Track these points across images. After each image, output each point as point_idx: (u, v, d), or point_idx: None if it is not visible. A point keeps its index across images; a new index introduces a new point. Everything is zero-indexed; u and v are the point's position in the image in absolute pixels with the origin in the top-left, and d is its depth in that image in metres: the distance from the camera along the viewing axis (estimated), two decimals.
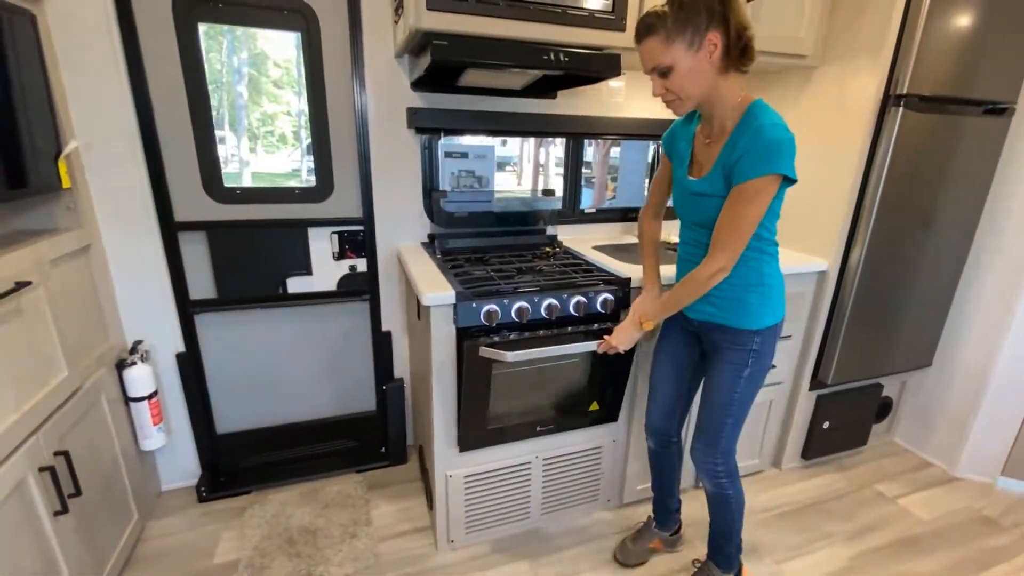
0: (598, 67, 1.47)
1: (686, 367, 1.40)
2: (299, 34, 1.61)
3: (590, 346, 1.41)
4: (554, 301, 1.43)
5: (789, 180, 1.05)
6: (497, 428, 1.52)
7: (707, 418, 1.31)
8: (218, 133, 1.74)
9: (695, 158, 1.20)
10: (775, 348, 1.27)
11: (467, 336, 1.38)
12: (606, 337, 1.35)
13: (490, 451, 1.55)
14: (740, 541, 1.44)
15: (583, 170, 2.31)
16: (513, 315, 1.39)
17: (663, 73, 1.06)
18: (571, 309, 1.46)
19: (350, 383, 2.02)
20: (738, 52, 1.04)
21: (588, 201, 2.27)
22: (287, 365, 1.92)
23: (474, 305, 1.35)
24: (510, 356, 1.35)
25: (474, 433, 1.49)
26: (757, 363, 1.23)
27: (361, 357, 1.99)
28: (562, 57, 1.41)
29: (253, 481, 1.90)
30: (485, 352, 1.35)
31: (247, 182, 1.80)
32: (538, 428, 1.57)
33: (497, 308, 1.37)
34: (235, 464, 1.94)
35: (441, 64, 1.34)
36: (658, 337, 1.46)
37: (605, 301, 1.49)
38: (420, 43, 1.43)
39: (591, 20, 1.44)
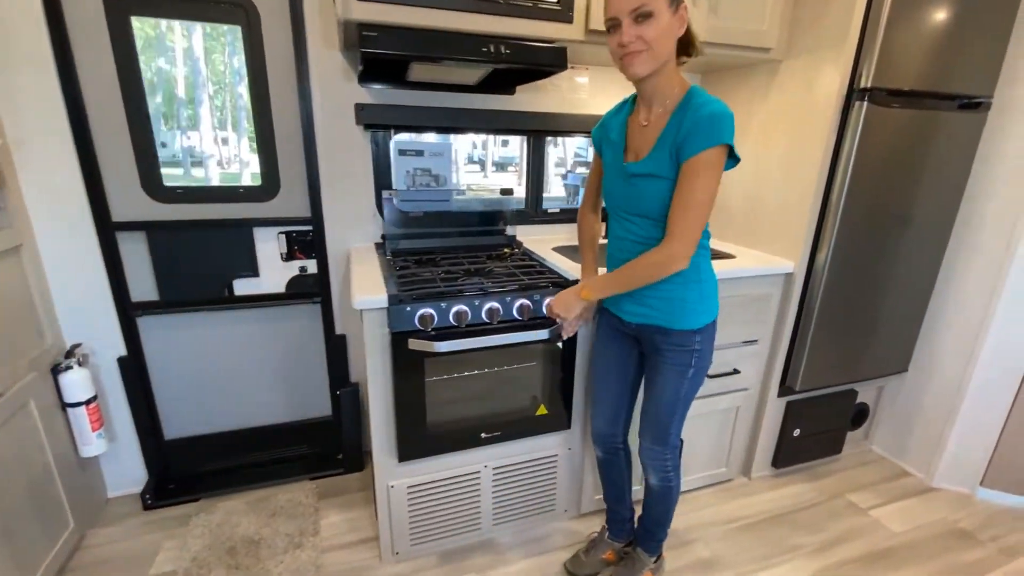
0: (543, 60, 1.41)
1: (626, 371, 1.38)
2: (239, 28, 1.56)
3: (524, 336, 1.39)
4: (496, 304, 1.37)
5: (733, 158, 1.04)
6: (439, 437, 1.46)
7: (653, 419, 1.30)
8: (220, 134, 1.72)
9: (630, 145, 1.16)
10: (714, 345, 1.26)
11: (402, 342, 1.32)
12: (548, 301, 1.31)
13: (434, 460, 1.49)
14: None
15: (581, 169, 2.25)
16: (451, 319, 1.33)
17: (641, 17, 0.98)
18: (515, 312, 1.40)
19: (304, 387, 1.96)
20: (686, 42, 1.07)
21: None
22: (237, 369, 1.86)
23: (408, 309, 1.29)
24: (440, 346, 1.31)
25: (414, 442, 1.43)
26: (700, 362, 1.23)
27: (315, 361, 1.94)
28: (503, 49, 1.35)
29: (203, 488, 1.84)
30: (414, 344, 1.30)
31: (247, 182, 1.75)
32: (483, 436, 1.50)
33: (433, 312, 1.31)
34: (185, 470, 1.89)
35: (372, 57, 1.28)
36: (595, 344, 1.42)
37: (551, 304, 1.43)
38: (354, 35, 1.37)
39: (535, 11, 1.37)
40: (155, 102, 1.57)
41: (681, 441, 1.42)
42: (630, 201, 1.15)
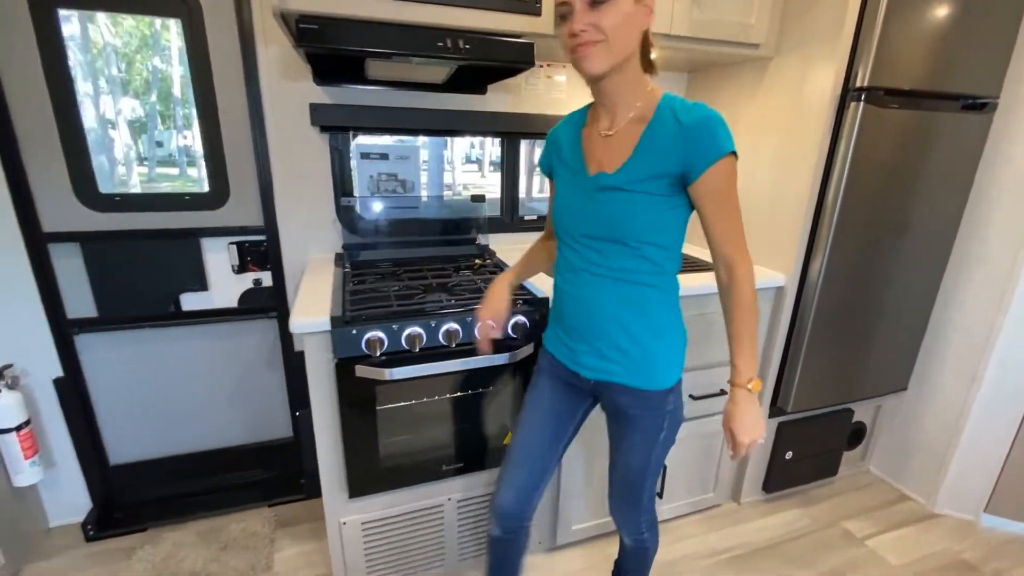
0: (507, 56, 1.28)
1: (561, 432, 1.13)
2: (179, 21, 1.43)
3: (484, 361, 1.25)
4: (455, 326, 1.24)
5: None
6: (394, 470, 1.33)
7: (622, 481, 1.12)
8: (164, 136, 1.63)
9: (590, 157, 0.97)
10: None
11: (348, 369, 1.19)
12: (734, 433, 0.95)
13: (389, 495, 1.37)
14: None
15: None
16: (403, 343, 1.20)
17: (597, 2, 0.81)
18: (477, 334, 1.27)
19: (261, 408, 1.83)
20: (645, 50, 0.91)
21: None
22: (188, 389, 1.73)
23: (354, 332, 1.16)
24: (390, 373, 1.18)
25: (366, 477, 1.31)
26: (673, 422, 1.04)
27: (273, 379, 1.81)
28: (461, 44, 1.22)
29: (151, 517, 1.72)
30: (362, 371, 1.18)
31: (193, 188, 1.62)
32: (445, 468, 1.38)
33: (382, 335, 1.18)
34: (132, 498, 1.76)
35: (312, 52, 1.16)
36: (531, 393, 1.15)
37: (516, 325, 1.30)
38: (293, 29, 1.24)
39: (499, 2, 1.24)
40: (93, 101, 1.45)
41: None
42: (595, 222, 0.94)
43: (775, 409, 1.76)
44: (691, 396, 1.60)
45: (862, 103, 1.39)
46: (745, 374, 0.95)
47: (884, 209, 1.56)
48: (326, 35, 1.11)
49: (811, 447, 1.88)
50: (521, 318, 1.30)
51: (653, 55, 0.92)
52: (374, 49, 1.15)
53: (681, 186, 0.89)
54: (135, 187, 1.65)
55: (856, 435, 2.01)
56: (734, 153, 0.86)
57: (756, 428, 0.95)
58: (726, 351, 1.59)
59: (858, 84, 1.39)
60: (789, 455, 1.84)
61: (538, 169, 1.17)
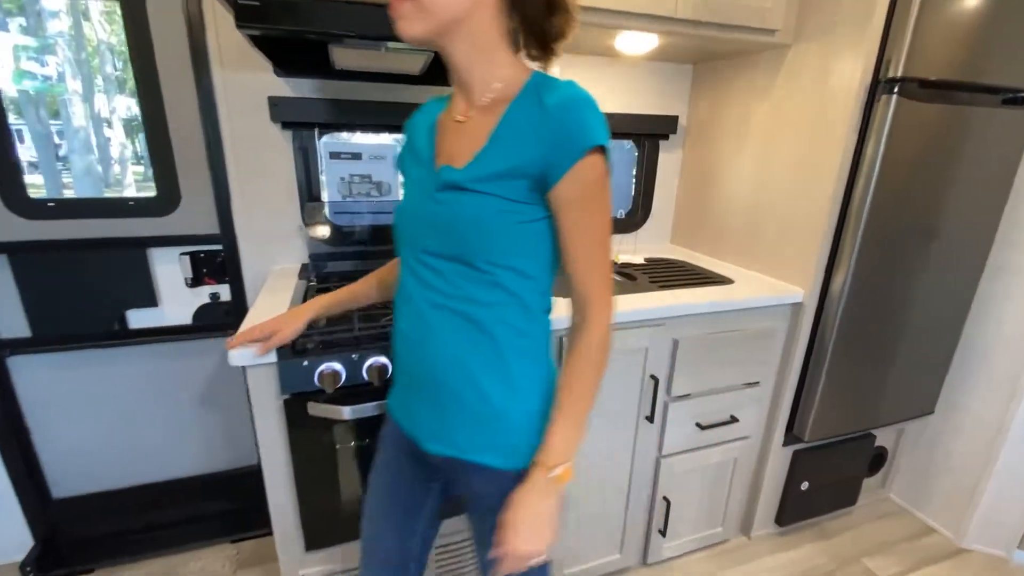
0: None
1: (416, 511, 0.90)
2: (118, 3, 1.26)
3: None
4: None
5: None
6: (358, 517, 1.16)
7: None
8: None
9: (441, 150, 0.75)
10: None
11: (300, 408, 1.02)
12: (507, 536, 0.69)
13: (355, 544, 1.20)
14: None
15: None
16: (364, 375, 1.03)
17: None
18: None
19: (223, 434, 1.67)
20: (538, 24, 0.69)
21: None
22: (139, 415, 1.57)
23: (305, 364, 0.99)
24: (349, 412, 1.00)
25: (325, 528, 1.14)
26: None
27: (235, 402, 1.64)
28: None
29: (99, 556, 1.55)
30: (315, 410, 1.01)
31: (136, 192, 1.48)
32: None
33: (339, 367, 1.01)
34: (78, 535, 1.59)
35: (254, 35, 0.98)
36: (375, 466, 0.92)
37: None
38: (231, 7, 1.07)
39: None
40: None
41: None
42: (434, 231, 0.71)
43: (790, 437, 1.59)
44: (698, 424, 1.44)
45: (895, 96, 1.22)
46: (555, 455, 0.69)
47: (915, 215, 1.39)
48: (270, 15, 0.94)
49: (828, 476, 1.71)
50: None
51: (557, 18, 0.68)
52: (327, 31, 0.97)
53: (544, 192, 0.67)
54: (130, 186, 1.51)
55: (876, 460, 1.84)
56: (605, 148, 0.65)
57: (538, 536, 0.68)
58: (740, 373, 1.45)
59: (891, 75, 1.22)
60: (805, 486, 1.67)
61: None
